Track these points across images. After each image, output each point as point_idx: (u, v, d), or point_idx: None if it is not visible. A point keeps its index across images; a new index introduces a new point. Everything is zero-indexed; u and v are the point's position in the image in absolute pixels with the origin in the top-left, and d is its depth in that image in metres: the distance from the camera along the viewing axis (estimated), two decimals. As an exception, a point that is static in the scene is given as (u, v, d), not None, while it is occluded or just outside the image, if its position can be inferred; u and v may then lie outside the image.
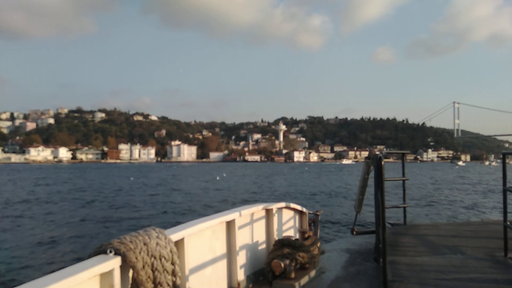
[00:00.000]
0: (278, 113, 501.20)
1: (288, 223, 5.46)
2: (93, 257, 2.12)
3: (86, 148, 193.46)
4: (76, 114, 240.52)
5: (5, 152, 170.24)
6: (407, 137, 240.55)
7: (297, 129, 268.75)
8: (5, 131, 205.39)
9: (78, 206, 22.38)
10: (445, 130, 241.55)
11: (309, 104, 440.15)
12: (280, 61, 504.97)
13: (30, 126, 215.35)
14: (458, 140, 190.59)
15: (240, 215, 3.97)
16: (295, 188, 36.92)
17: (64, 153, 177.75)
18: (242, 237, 4.10)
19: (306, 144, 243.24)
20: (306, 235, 5.31)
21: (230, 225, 3.86)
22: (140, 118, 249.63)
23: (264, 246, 4.73)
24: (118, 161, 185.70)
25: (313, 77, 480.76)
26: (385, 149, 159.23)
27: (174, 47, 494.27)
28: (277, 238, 4.78)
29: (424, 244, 5.64)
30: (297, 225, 5.81)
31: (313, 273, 4.50)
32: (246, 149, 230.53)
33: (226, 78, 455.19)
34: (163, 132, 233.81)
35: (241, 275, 3.97)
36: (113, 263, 2.08)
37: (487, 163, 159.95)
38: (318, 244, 5.10)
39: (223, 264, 3.75)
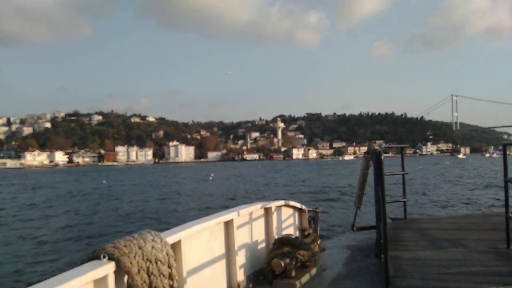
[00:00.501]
0: (276, 111, 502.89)
1: (287, 221, 5.41)
2: (86, 263, 2.05)
3: (82, 151, 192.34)
4: (73, 118, 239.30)
5: (0, 157, 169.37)
6: (406, 131, 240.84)
7: (295, 126, 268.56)
8: (1, 136, 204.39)
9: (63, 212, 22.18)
10: (444, 123, 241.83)
11: (307, 101, 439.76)
12: (277, 59, 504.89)
13: (27, 130, 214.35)
14: (457, 133, 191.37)
15: (239, 215, 3.92)
16: (295, 187, 36.87)
17: (60, 157, 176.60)
18: (241, 237, 4.05)
19: (305, 141, 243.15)
20: (306, 233, 5.26)
21: (228, 225, 3.80)
22: (137, 119, 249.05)
23: (263, 245, 4.68)
24: (115, 163, 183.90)
25: (311, 74, 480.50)
26: (384, 144, 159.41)
27: (171, 48, 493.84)
28: (276, 237, 4.73)
29: (426, 238, 5.61)
30: (296, 222, 5.77)
31: (314, 271, 4.46)
32: (244, 147, 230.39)
33: (223, 78, 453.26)
34: (161, 133, 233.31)
35: (240, 276, 3.92)
36: (107, 268, 2.01)
37: (487, 155, 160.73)
38: (319, 242, 5.05)
39: (222, 265, 3.70)
